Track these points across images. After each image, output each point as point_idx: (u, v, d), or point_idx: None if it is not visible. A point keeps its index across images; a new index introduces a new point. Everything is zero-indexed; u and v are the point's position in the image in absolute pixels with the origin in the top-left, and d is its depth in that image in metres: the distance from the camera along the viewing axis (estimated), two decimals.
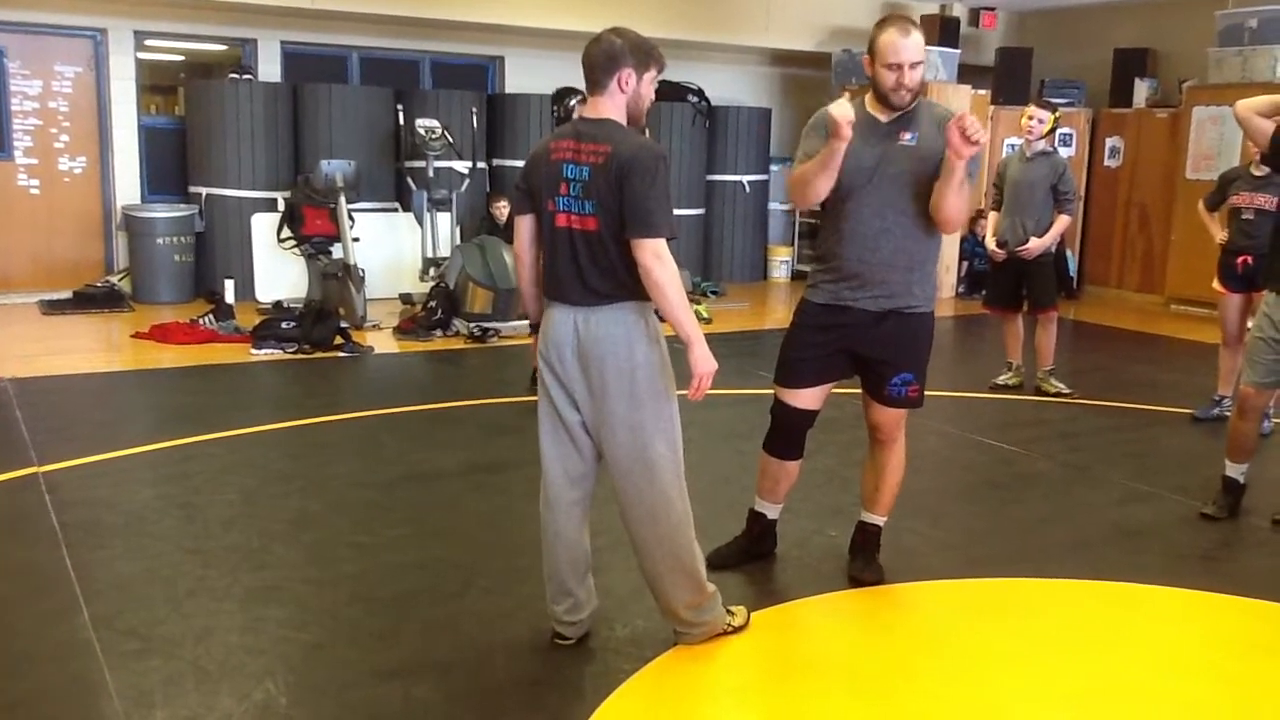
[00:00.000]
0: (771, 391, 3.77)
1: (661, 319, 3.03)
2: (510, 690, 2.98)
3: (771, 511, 3.94)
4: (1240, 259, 5.89)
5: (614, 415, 3.00)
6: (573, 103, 6.21)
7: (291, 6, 9.26)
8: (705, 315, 8.62)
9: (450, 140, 9.31)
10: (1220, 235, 6.11)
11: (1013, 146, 9.66)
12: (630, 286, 2.95)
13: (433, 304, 8.21)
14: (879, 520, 3.86)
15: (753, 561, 3.90)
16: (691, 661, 3.18)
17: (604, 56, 2.97)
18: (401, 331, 8.15)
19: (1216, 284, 6.09)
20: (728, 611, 3.30)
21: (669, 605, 3.18)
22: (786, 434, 3.76)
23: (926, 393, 3.67)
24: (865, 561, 3.84)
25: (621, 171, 2.88)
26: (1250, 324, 4.92)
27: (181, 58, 10.16)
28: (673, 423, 3.08)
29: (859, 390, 3.74)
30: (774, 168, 11.92)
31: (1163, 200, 10.76)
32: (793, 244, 12.20)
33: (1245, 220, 5.90)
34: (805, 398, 3.68)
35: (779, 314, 9.83)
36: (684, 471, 3.13)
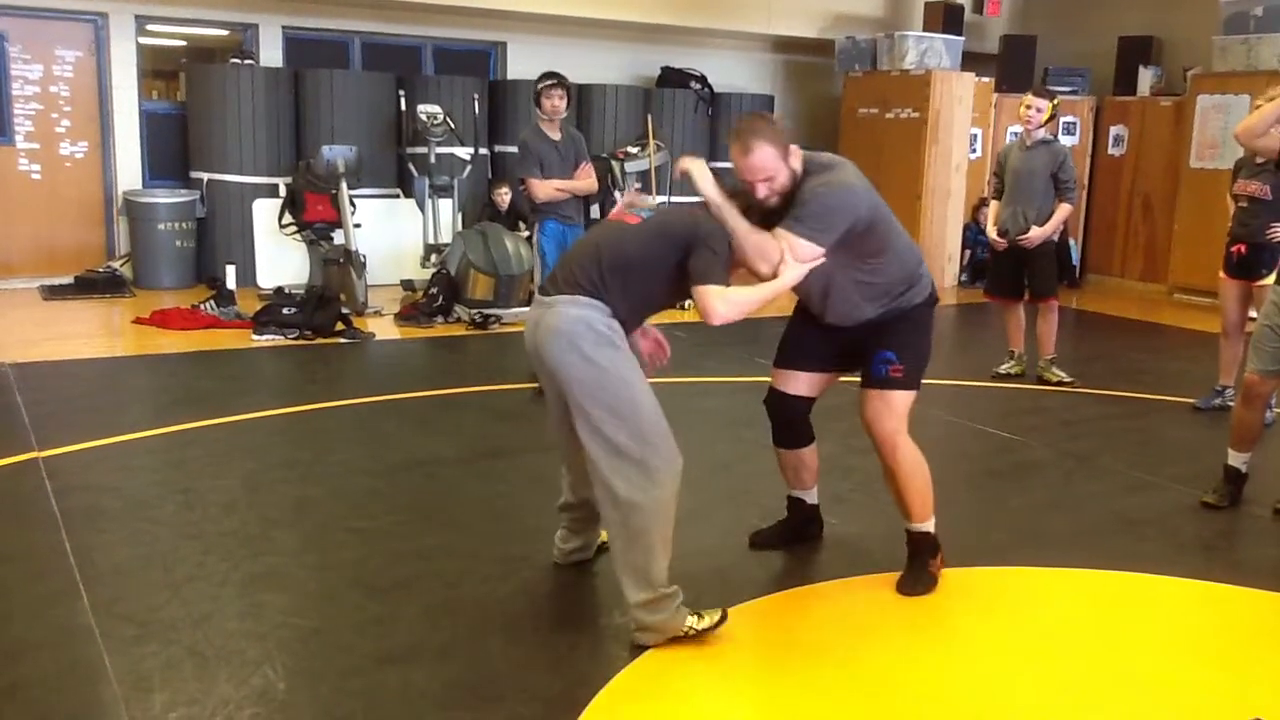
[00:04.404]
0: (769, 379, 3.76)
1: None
2: (508, 677, 2.98)
3: (809, 497, 3.94)
4: (1235, 247, 5.86)
5: (573, 407, 3.10)
6: (540, 86, 5.98)
7: None
8: None
9: (452, 126, 9.28)
10: None
11: (1014, 135, 9.63)
12: (600, 289, 3.11)
13: (434, 290, 8.20)
14: (917, 528, 3.65)
15: (798, 544, 3.94)
16: (690, 648, 3.16)
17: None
18: (403, 318, 8.14)
19: (1221, 272, 6.06)
20: (696, 615, 3.17)
21: (625, 595, 3.14)
22: (782, 423, 3.74)
23: (927, 381, 3.64)
24: (912, 576, 3.65)
25: (701, 227, 3.25)
26: (1252, 313, 4.89)
27: (183, 42, 10.13)
28: (635, 412, 3.06)
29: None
30: None
31: (1166, 189, 10.72)
32: None
33: (1241, 208, 5.84)
34: (793, 382, 3.68)
35: (780, 301, 9.77)
36: (663, 463, 3.06)
